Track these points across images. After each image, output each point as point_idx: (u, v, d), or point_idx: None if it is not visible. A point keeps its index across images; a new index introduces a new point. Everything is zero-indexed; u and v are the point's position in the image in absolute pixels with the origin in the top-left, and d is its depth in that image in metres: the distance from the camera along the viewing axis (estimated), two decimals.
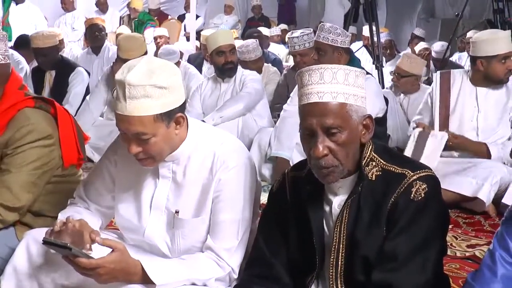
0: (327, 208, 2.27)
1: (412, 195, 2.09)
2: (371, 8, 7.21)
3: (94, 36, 8.20)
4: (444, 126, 4.64)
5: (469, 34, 9.96)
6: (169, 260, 2.46)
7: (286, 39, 11.21)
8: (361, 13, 16.13)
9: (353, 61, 5.23)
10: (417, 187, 2.10)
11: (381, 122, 5.06)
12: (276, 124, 5.39)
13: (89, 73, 6.67)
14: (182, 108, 2.38)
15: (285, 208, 2.34)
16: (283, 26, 13.73)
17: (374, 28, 7.39)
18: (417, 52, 9.83)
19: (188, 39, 12.69)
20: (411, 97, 5.90)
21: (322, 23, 5.34)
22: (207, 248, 2.44)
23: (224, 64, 5.59)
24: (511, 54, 4.51)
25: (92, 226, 2.46)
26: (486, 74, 4.56)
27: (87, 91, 6.52)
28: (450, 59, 8.99)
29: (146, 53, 5.92)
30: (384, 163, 2.19)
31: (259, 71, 6.54)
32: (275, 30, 12.49)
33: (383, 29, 10.91)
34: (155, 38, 10.13)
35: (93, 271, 2.22)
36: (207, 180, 2.44)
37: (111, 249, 2.28)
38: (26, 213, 2.85)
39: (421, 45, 9.86)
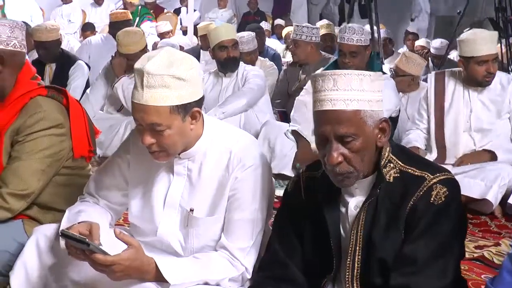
0: (343, 209, 2.26)
1: (432, 199, 2.08)
2: (372, 5, 7.14)
3: None
4: (439, 127, 4.63)
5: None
6: (183, 259, 2.44)
7: (284, 33, 11.40)
8: (355, 9, 16.31)
9: (372, 58, 5.31)
10: (437, 190, 2.08)
11: (393, 122, 5.09)
12: (292, 112, 5.45)
13: (89, 67, 6.62)
14: (199, 103, 2.37)
15: (300, 208, 2.33)
16: (280, 21, 13.68)
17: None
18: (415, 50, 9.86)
19: (184, 33, 12.67)
20: (410, 95, 5.86)
21: (344, 25, 5.36)
22: (221, 247, 2.43)
23: (226, 59, 5.57)
24: (490, 58, 4.46)
25: (102, 222, 2.48)
26: (466, 75, 4.55)
27: (87, 85, 6.49)
28: (448, 56, 8.95)
29: (146, 47, 5.89)
30: (402, 164, 2.18)
31: (252, 64, 6.50)
32: (266, 25, 12.39)
33: (381, 26, 10.90)
34: (163, 34, 10.10)
35: (108, 268, 2.21)
36: (223, 178, 2.43)
37: (123, 246, 2.26)
38: (34, 206, 2.83)
39: (419, 43, 9.87)
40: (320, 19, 16.05)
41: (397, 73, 5.90)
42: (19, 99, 2.81)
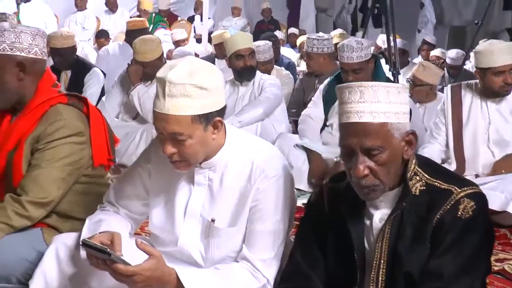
0: (367, 222, 2.23)
1: (459, 213, 2.05)
2: (389, 14, 7.11)
3: None
4: (458, 140, 4.57)
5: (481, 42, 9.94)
6: (204, 270, 2.42)
7: (298, 42, 11.39)
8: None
9: (378, 67, 5.25)
10: (464, 204, 2.06)
11: None
12: (299, 125, 5.41)
13: (105, 74, 6.61)
14: (221, 112, 2.35)
15: (323, 220, 2.30)
16: (294, 30, 13.67)
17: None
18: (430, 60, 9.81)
19: (197, 41, 12.68)
20: (427, 105, 5.81)
21: (341, 43, 5.29)
22: (242, 258, 2.41)
23: (242, 67, 5.55)
24: (507, 68, 4.39)
25: (122, 231, 2.46)
26: (483, 86, 4.50)
27: (102, 92, 6.49)
28: (464, 67, 8.92)
29: (162, 55, 5.88)
30: (428, 177, 2.15)
31: (268, 73, 6.47)
32: (280, 34, 12.38)
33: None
34: (178, 42, 10.11)
35: (129, 278, 2.19)
36: (244, 188, 2.41)
37: (144, 256, 2.25)
38: (53, 214, 2.81)
39: (434, 53, 9.83)
40: (334, 28, 16.14)
41: (415, 83, 5.84)
42: (39, 107, 2.80)
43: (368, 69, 5.11)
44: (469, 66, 9.40)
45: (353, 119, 2.08)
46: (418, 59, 10.67)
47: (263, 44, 6.59)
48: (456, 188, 2.09)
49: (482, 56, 4.44)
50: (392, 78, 6.79)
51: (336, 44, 6.81)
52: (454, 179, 2.16)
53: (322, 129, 5.35)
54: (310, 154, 5.14)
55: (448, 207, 2.07)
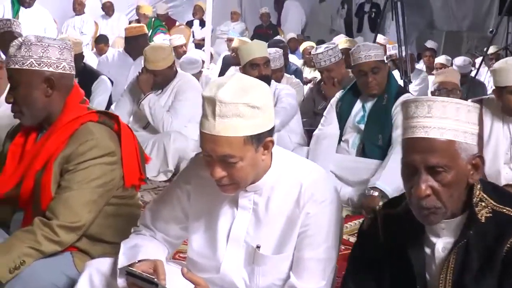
0: (428, 250, 2.11)
1: None
2: (399, 19, 7.00)
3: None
4: None
5: (491, 50, 9.85)
6: None
7: (301, 48, 11.22)
8: (365, 23, 16.27)
9: (390, 75, 5.17)
10: None
11: None
12: (310, 145, 5.23)
13: (112, 82, 6.47)
14: (271, 132, 2.22)
15: (378, 248, 2.18)
16: (292, 34, 13.55)
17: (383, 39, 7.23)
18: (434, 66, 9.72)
19: (196, 46, 12.56)
20: None
21: (356, 45, 5.19)
22: (290, 287, 2.28)
23: (257, 77, 5.34)
24: None
25: (159, 256, 2.35)
26: (502, 105, 4.37)
27: (109, 100, 6.36)
28: (471, 74, 8.83)
29: (173, 63, 5.75)
30: (495, 204, 2.03)
31: (278, 81, 6.35)
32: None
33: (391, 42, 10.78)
34: (176, 47, 9.95)
35: None
36: (292, 213, 2.27)
37: (186, 285, 2.16)
38: (83, 237, 2.68)
39: (438, 60, 9.72)
40: (331, 34, 16.07)
41: (446, 88, 5.66)
42: (69, 125, 2.67)
43: (385, 71, 5.04)
44: (474, 73, 9.34)
45: (419, 134, 1.96)
46: (418, 65, 10.61)
47: (274, 52, 6.42)
48: None
49: (498, 75, 4.33)
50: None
51: (346, 50, 6.69)
52: None
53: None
54: None
55: None
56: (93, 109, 2.76)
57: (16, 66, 2.61)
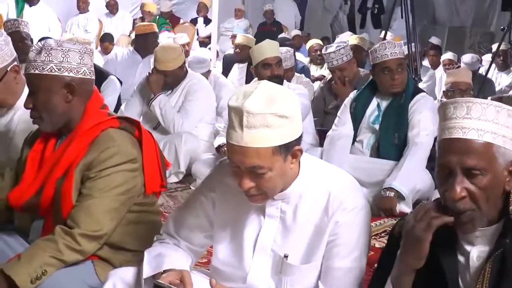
0: (461, 259, 2.05)
1: None
2: (410, 16, 6.93)
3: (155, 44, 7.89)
4: None
5: (494, 47, 9.80)
6: None
7: (307, 46, 11.14)
8: (368, 19, 16.22)
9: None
10: None
11: (434, 143, 4.90)
12: (324, 146, 5.17)
13: (121, 82, 6.41)
14: (299, 140, 2.18)
15: None
16: (296, 31, 13.49)
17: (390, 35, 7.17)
18: (441, 64, 9.65)
19: (201, 44, 12.50)
20: None
21: (380, 43, 5.15)
22: None
23: (270, 77, 5.31)
24: None
25: (184, 265, 2.32)
26: None
27: (118, 100, 6.30)
28: (479, 71, 8.77)
29: (184, 63, 5.70)
30: None
31: (288, 81, 6.29)
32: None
33: (397, 38, 10.70)
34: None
35: None
36: (321, 221, 2.23)
37: None
38: (104, 246, 2.63)
39: (446, 56, 9.66)
40: (331, 29, 16.02)
41: (460, 89, 5.59)
42: (90, 131, 2.62)
43: (405, 69, 5.01)
44: (482, 70, 9.29)
45: (457, 135, 1.91)
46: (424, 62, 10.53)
47: (285, 52, 6.36)
48: None
49: None
50: None
51: (356, 47, 6.60)
52: None
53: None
54: None
55: None
56: (113, 115, 2.72)
57: (36, 71, 2.57)
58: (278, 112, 2.05)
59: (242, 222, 2.33)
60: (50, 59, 2.56)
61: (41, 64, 2.56)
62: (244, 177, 2.12)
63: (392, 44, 4.99)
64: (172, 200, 5.03)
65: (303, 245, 2.26)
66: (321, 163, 2.37)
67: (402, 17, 7.00)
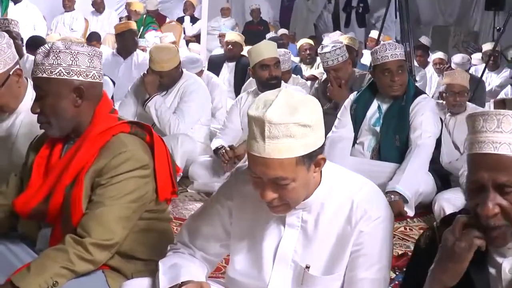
0: (492, 271, 1.99)
1: None
2: (405, 16, 6.87)
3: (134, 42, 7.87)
4: None
5: (484, 47, 9.80)
6: None
7: (298, 45, 11.05)
8: (353, 18, 16.19)
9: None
10: None
11: (436, 145, 4.86)
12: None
13: (114, 82, 6.31)
14: (322, 149, 2.11)
15: None
16: (284, 30, 13.43)
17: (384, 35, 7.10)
18: (432, 63, 9.62)
19: (187, 42, 12.39)
20: (458, 117, 5.51)
21: (381, 44, 5.09)
22: None
23: (268, 78, 5.25)
24: None
25: (201, 276, 2.25)
26: None
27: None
28: (470, 71, 8.74)
29: (179, 64, 5.61)
30: None
31: (285, 82, 6.21)
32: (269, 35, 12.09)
33: (387, 38, 10.66)
34: None
35: None
36: (343, 231, 2.16)
37: None
38: (115, 255, 2.54)
39: (436, 55, 9.62)
40: (315, 29, 15.97)
41: (454, 91, 5.54)
42: (99, 137, 2.53)
43: (406, 70, 4.96)
44: (472, 70, 9.26)
45: (487, 150, 1.84)
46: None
47: (283, 54, 6.27)
48: None
49: None
50: None
51: (346, 47, 6.53)
52: None
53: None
54: None
55: None
56: (124, 119, 2.63)
57: (44, 75, 2.48)
58: (301, 121, 1.98)
59: (261, 232, 2.25)
60: (59, 62, 2.47)
61: (49, 67, 2.47)
62: (267, 189, 2.04)
63: (393, 46, 4.94)
64: (170, 203, 4.90)
65: (325, 256, 2.19)
66: (342, 170, 2.30)
67: (396, 17, 6.94)
